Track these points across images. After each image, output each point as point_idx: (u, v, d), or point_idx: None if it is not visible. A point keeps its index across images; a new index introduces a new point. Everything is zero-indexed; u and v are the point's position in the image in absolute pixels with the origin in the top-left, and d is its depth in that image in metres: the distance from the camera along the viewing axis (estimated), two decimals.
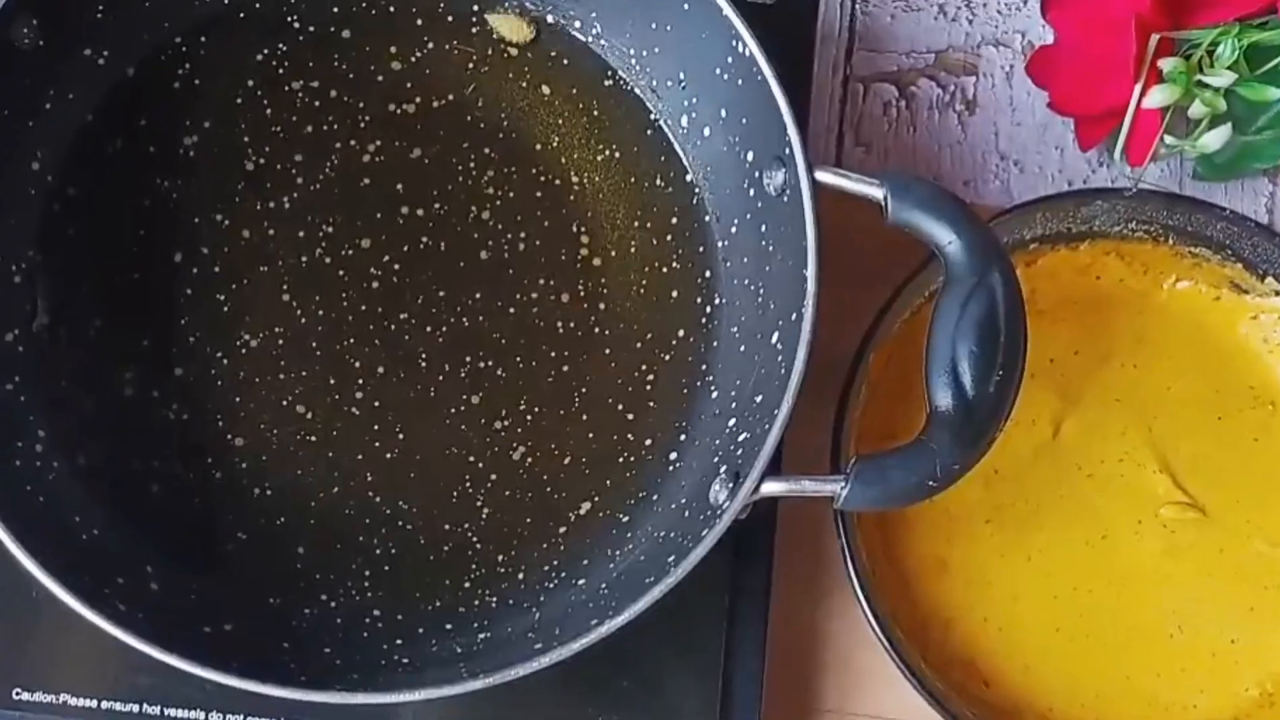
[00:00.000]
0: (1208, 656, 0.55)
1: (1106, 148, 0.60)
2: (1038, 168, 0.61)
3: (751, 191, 0.51)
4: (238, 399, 0.52)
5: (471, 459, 0.52)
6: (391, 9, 0.55)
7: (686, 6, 0.50)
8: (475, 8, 0.55)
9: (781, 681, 0.54)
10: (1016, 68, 0.62)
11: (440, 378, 0.53)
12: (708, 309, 0.54)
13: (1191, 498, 0.56)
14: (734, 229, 0.53)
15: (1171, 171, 0.61)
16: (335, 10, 0.54)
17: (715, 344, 0.53)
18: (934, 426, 0.45)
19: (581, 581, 0.51)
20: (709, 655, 0.52)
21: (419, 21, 0.55)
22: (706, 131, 0.53)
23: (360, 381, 0.52)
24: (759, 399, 0.49)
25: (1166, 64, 0.55)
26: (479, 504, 0.52)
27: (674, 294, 0.54)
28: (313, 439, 0.52)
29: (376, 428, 0.52)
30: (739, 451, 0.48)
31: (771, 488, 0.45)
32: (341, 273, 0.53)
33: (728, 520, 0.45)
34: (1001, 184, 0.61)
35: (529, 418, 0.53)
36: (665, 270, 0.54)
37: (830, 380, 0.52)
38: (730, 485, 0.47)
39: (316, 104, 0.54)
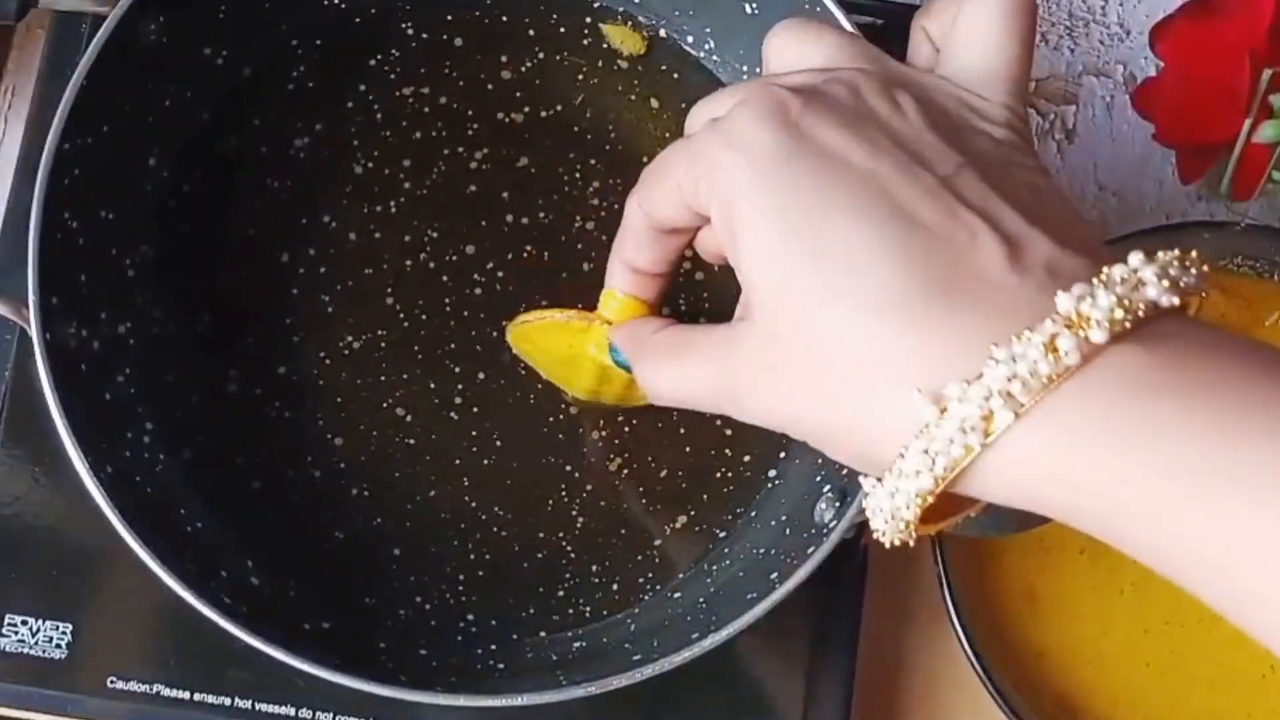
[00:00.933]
0: None
1: (1208, 181, 0.60)
2: (1136, 200, 0.61)
3: None
4: (339, 400, 0.52)
5: (568, 468, 0.52)
6: (504, 18, 0.55)
7: None
8: (589, 19, 0.55)
9: (868, 706, 0.54)
10: (1117, 98, 0.62)
11: (539, 385, 0.53)
12: None
13: None
14: None
15: (1272, 207, 0.61)
16: (448, 18, 0.55)
17: None
18: None
19: (678, 595, 0.51)
20: (794, 678, 0.52)
21: (531, 31, 0.55)
22: None
23: (460, 387, 0.53)
24: None
25: (1278, 99, 0.55)
26: (574, 513, 0.52)
27: None
28: (411, 442, 0.52)
29: (474, 433, 0.52)
30: (844, 470, 0.48)
31: None
32: (445, 278, 0.53)
33: (835, 540, 0.45)
34: (1100, 215, 0.61)
35: (626, 429, 0.53)
36: None
37: None
38: (837, 504, 0.47)
39: (426, 110, 0.54)
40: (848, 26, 0.49)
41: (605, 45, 0.55)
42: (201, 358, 0.52)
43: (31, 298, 0.46)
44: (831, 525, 0.46)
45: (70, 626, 0.51)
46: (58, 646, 0.51)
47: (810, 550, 0.45)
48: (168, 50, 0.50)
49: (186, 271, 0.52)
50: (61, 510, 0.52)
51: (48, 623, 0.51)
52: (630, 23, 0.55)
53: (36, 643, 0.51)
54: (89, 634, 0.51)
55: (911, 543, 0.36)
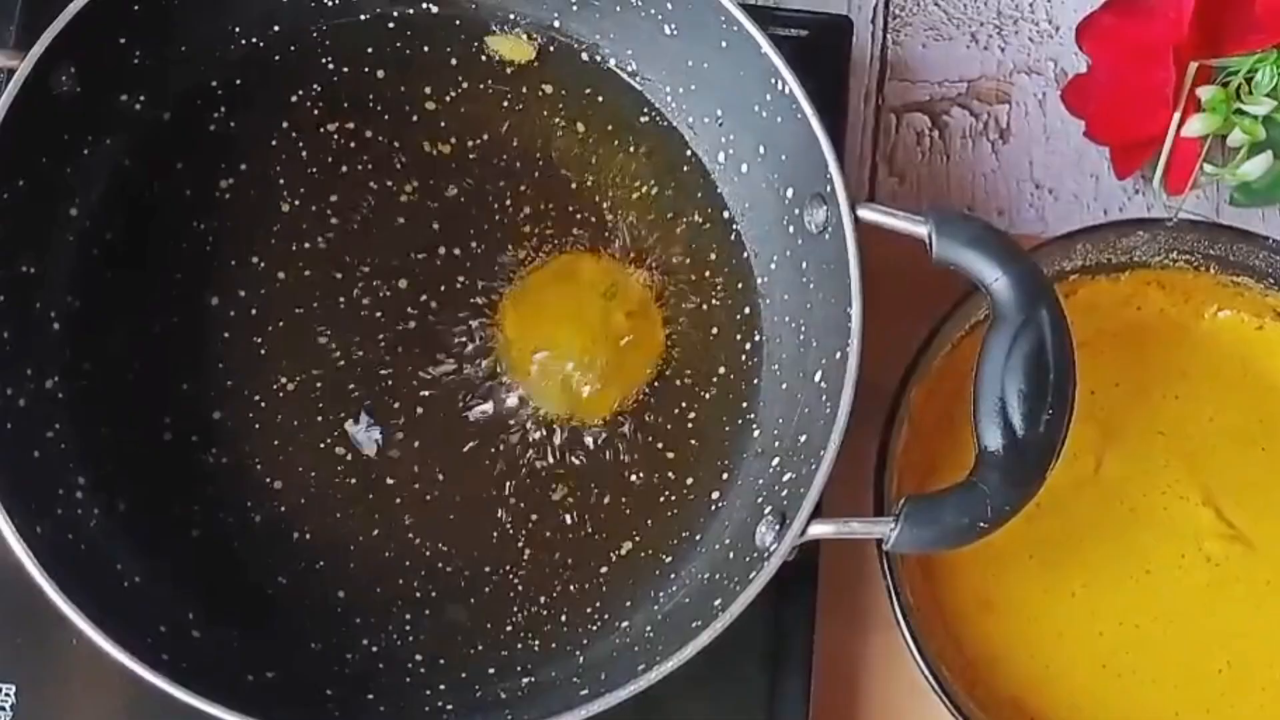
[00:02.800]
0: (1257, 691, 0.54)
1: (1143, 175, 0.60)
2: (1073, 196, 0.61)
3: (791, 228, 0.51)
4: (276, 442, 0.52)
5: (512, 499, 0.52)
6: (426, 49, 0.55)
7: (724, 44, 0.50)
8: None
9: (826, 717, 0.54)
10: (1050, 95, 0.62)
11: (479, 419, 0.52)
12: (747, 346, 0.53)
13: (1236, 530, 0.55)
14: (773, 265, 0.53)
15: (1208, 198, 0.61)
16: (369, 51, 0.54)
17: (756, 381, 0.53)
18: (984, 467, 0.44)
19: (625, 624, 0.51)
20: (753, 695, 0.52)
21: (453, 60, 0.55)
22: (744, 168, 0.53)
23: (400, 423, 0.52)
24: (803, 438, 0.48)
25: (1205, 92, 0.55)
26: (519, 545, 0.52)
27: (713, 331, 0.53)
28: (352, 481, 0.52)
29: (416, 469, 0.52)
30: (783, 491, 0.48)
31: (819, 530, 0.45)
32: (379, 314, 0.53)
33: (776, 564, 0.45)
34: (1037, 212, 0.61)
35: (569, 458, 0.52)
36: (704, 307, 0.54)
37: (866, 411, 0.52)
38: (776, 527, 0.46)
39: (352, 145, 0.54)
40: (764, 42, 0.48)
41: (495, 56, 0.54)
42: (134, 407, 0.51)
43: None
44: (772, 548, 0.45)
45: (13, 687, 0.51)
46: (2, 709, 0.50)
47: (752, 575, 0.45)
48: (83, 99, 0.50)
49: (114, 320, 0.52)
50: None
51: None
52: (518, 32, 0.54)
53: None
54: (33, 694, 0.50)
55: None
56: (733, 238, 0.54)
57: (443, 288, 0.53)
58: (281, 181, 0.53)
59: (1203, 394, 0.56)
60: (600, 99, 0.55)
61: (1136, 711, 0.54)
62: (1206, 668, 0.54)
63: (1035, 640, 0.54)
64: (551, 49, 0.55)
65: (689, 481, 0.52)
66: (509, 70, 0.55)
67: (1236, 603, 0.55)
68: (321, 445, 0.52)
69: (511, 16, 0.55)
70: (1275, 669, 0.54)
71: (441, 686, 0.50)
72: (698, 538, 0.52)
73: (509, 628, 0.51)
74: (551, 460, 0.52)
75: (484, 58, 0.55)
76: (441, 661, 0.50)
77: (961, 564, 0.54)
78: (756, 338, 0.53)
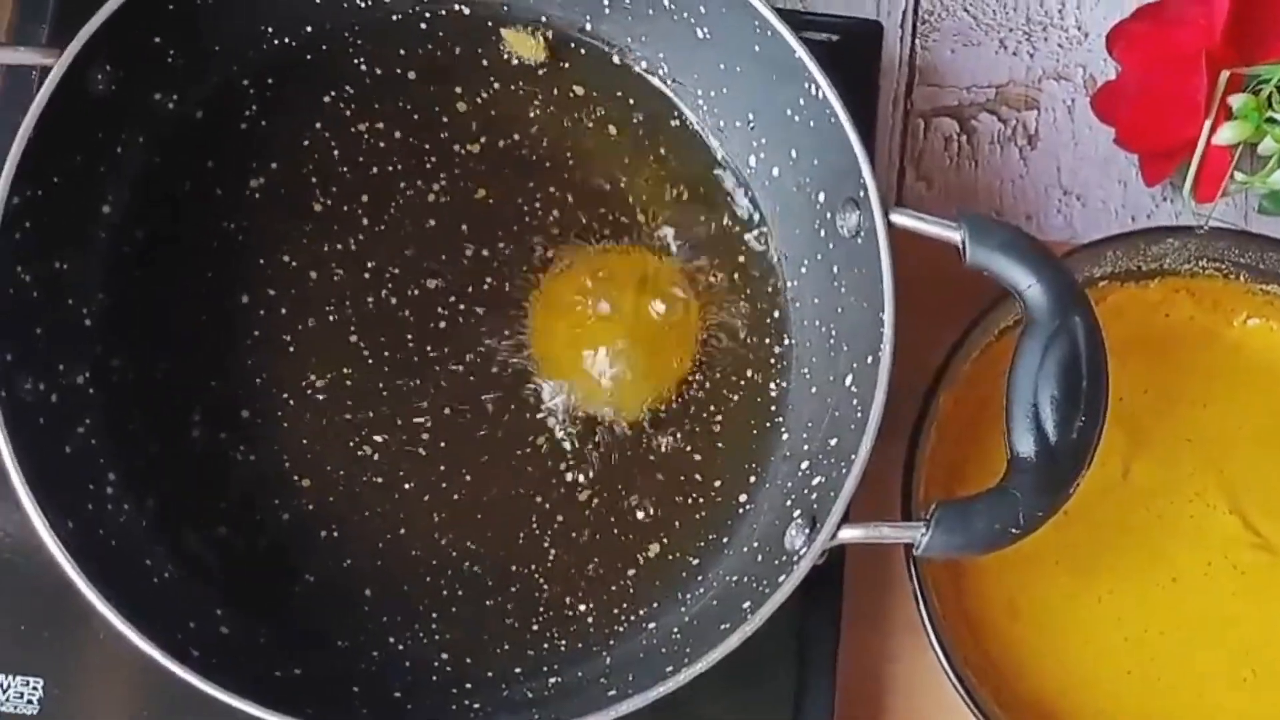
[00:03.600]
0: None
1: (1171, 182, 0.60)
2: (1101, 202, 0.61)
3: (823, 233, 0.51)
4: (304, 441, 0.52)
5: (539, 500, 0.52)
6: (457, 50, 0.55)
7: (757, 48, 0.50)
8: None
9: None
10: (1078, 102, 0.62)
11: (506, 419, 0.52)
12: (777, 349, 0.53)
13: (1263, 539, 0.55)
14: (804, 270, 0.53)
15: (1236, 205, 0.61)
16: (401, 53, 0.55)
17: (785, 385, 0.53)
18: (1015, 472, 0.44)
19: (652, 625, 0.51)
20: (778, 700, 0.52)
21: (484, 62, 0.55)
22: (775, 172, 0.53)
23: (427, 422, 0.52)
24: (833, 442, 0.48)
25: (1236, 100, 0.54)
26: (546, 545, 0.52)
27: (742, 334, 0.54)
28: (379, 480, 0.52)
29: (443, 469, 0.52)
30: (813, 495, 0.48)
31: (850, 534, 0.45)
32: (408, 313, 0.53)
33: (805, 567, 0.45)
34: (1065, 219, 0.61)
35: (596, 458, 0.52)
36: (734, 310, 0.54)
37: (894, 416, 0.52)
38: (806, 531, 0.46)
39: (382, 145, 0.54)
40: (798, 46, 0.48)
41: (512, 55, 0.54)
42: (163, 404, 0.51)
43: None
44: (802, 552, 0.45)
45: (41, 681, 0.51)
46: (29, 702, 0.50)
47: (781, 578, 0.45)
48: (117, 97, 0.50)
49: (145, 318, 0.52)
50: (29, 564, 0.51)
51: (18, 678, 0.51)
52: (530, 28, 0.54)
53: (7, 699, 0.50)
54: (60, 688, 0.51)
55: None
56: (763, 241, 0.54)
57: (471, 288, 0.53)
58: (313, 181, 0.54)
59: (1231, 402, 0.56)
60: (631, 101, 0.55)
61: (1161, 718, 0.54)
62: (1232, 676, 0.54)
63: (1061, 647, 0.54)
64: (582, 51, 0.55)
65: (717, 484, 0.52)
66: (540, 72, 0.55)
67: (1263, 611, 0.55)
68: (350, 444, 0.52)
69: (544, 19, 0.55)
70: None
71: (468, 685, 0.50)
72: (725, 540, 0.52)
73: (535, 627, 0.51)
74: (579, 461, 0.52)
75: (514, 60, 0.55)
76: (468, 660, 0.50)
77: (987, 570, 0.54)
78: (786, 341, 0.53)
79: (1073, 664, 0.54)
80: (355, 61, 0.54)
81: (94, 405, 0.50)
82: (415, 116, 0.54)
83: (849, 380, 0.48)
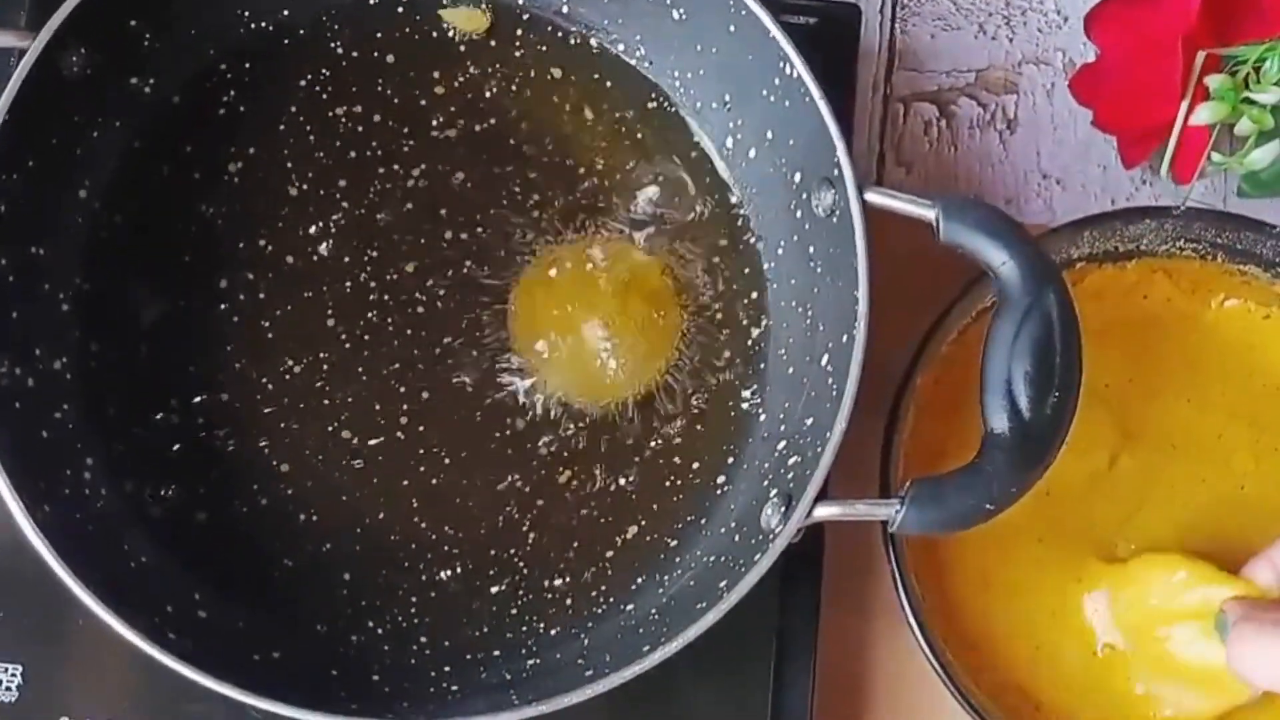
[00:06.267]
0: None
1: (1150, 165, 0.60)
2: (1080, 185, 0.61)
3: (799, 213, 0.51)
4: (283, 425, 0.52)
5: (518, 483, 0.52)
6: (434, 34, 0.55)
7: (733, 29, 0.50)
8: None
9: (831, 704, 0.54)
10: (1058, 85, 0.62)
11: (485, 402, 0.52)
12: (754, 331, 0.53)
13: None
14: (781, 251, 0.53)
15: (1215, 188, 0.61)
16: (378, 35, 0.55)
17: (763, 366, 0.53)
18: (990, 449, 0.44)
19: (630, 607, 0.51)
20: (758, 679, 0.52)
21: (461, 47, 0.55)
22: (752, 153, 0.53)
23: (405, 407, 0.52)
24: (809, 421, 0.48)
25: (1213, 81, 0.54)
26: (525, 529, 0.52)
27: (720, 316, 0.54)
28: (358, 464, 0.52)
29: (421, 453, 0.52)
30: (789, 475, 0.48)
31: (825, 512, 0.45)
32: (385, 297, 0.53)
33: (781, 545, 0.45)
34: (1044, 202, 0.61)
35: (574, 442, 0.52)
36: (711, 292, 0.54)
37: (873, 398, 0.52)
38: (783, 509, 0.46)
39: (360, 129, 0.54)
40: (773, 26, 0.48)
41: (449, 29, 0.54)
42: (141, 389, 0.51)
43: None
44: (778, 530, 0.45)
45: (19, 668, 0.51)
46: (8, 689, 0.50)
47: (757, 557, 0.45)
48: (93, 81, 0.50)
49: (122, 302, 0.52)
50: (5, 549, 0.51)
51: None
52: (474, 3, 0.54)
53: None
54: (39, 674, 0.50)
55: None
56: (740, 223, 0.54)
57: (450, 272, 0.53)
58: (290, 165, 0.54)
59: (1214, 400, 0.56)
60: (608, 84, 0.55)
61: (1123, 697, 0.54)
62: None
63: (1040, 626, 0.54)
64: (559, 34, 0.55)
65: (695, 466, 0.52)
66: (518, 55, 0.55)
67: None
68: (329, 429, 0.52)
69: (520, 1, 0.55)
70: None
71: (446, 668, 0.50)
72: (703, 521, 0.52)
73: (514, 610, 0.51)
74: (558, 444, 0.52)
75: (492, 42, 0.55)
76: (446, 643, 0.50)
77: (967, 547, 0.54)
78: (764, 322, 0.53)
79: (1050, 644, 0.54)
80: (332, 45, 0.54)
81: (71, 390, 0.50)
82: (393, 100, 0.54)
83: (825, 360, 0.48)
